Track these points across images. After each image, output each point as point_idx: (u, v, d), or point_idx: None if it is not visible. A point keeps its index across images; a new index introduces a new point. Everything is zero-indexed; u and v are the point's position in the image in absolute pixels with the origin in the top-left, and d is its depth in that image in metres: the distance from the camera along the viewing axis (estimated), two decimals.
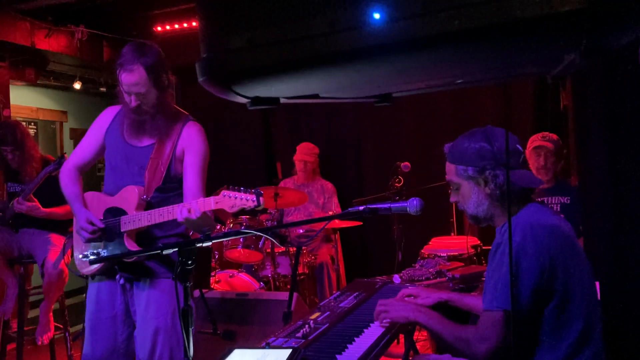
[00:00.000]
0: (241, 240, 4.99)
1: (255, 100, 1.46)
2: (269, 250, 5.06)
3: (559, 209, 4.15)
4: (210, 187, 7.12)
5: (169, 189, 2.88)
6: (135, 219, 2.77)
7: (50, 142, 7.88)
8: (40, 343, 4.62)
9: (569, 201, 4.15)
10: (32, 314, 5.28)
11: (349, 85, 1.54)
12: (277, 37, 1.22)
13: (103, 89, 7.64)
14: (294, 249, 5.05)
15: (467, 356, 2.08)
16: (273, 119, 7.00)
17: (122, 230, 2.80)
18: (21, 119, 7.27)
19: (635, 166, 2.56)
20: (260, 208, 2.48)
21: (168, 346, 2.83)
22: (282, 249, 5.12)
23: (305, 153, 5.86)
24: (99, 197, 2.96)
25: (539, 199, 4.20)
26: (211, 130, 7.13)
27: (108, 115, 3.04)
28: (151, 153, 2.86)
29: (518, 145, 2.22)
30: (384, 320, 2.31)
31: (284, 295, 4.05)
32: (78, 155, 3.07)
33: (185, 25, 6.68)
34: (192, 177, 2.86)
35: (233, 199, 2.49)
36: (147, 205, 2.82)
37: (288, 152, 6.30)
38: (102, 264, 2.85)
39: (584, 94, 3.09)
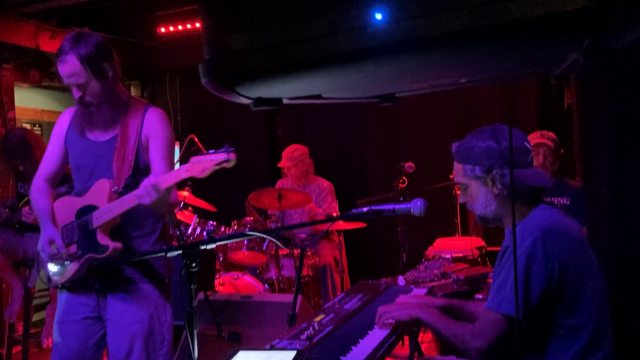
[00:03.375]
0: (245, 242, 4.99)
1: (258, 101, 1.46)
2: (273, 252, 5.06)
3: None
4: (214, 188, 7.08)
5: (139, 182, 2.68)
6: (107, 210, 2.64)
7: None
8: (45, 346, 4.64)
9: (568, 202, 4.12)
10: (37, 316, 5.30)
11: (352, 86, 1.54)
12: (280, 38, 1.22)
13: None
14: (298, 250, 5.05)
15: (462, 353, 2.08)
16: (277, 119, 7.00)
17: (94, 227, 2.66)
18: (26, 120, 7.29)
19: (639, 165, 2.55)
20: (231, 164, 2.32)
21: (145, 353, 2.76)
22: (286, 251, 5.12)
23: (285, 158, 5.77)
24: (67, 201, 2.85)
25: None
26: (215, 131, 7.19)
27: (64, 119, 2.94)
28: (116, 143, 2.76)
29: (527, 143, 2.18)
30: (387, 321, 2.29)
31: (288, 298, 4.04)
32: (44, 167, 2.94)
33: (188, 26, 6.69)
34: (159, 165, 2.75)
35: (203, 163, 2.35)
36: (120, 197, 2.68)
37: None
38: (73, 272, 2.72)
39: (588, 93, 3.08)
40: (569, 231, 2.06)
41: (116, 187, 2.70)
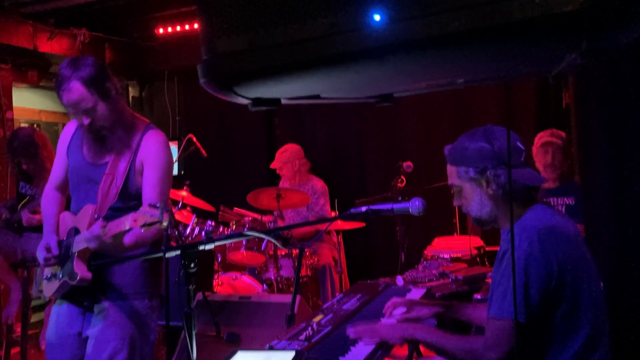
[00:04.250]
0: (244, 242, 4.98)
1: (257, 101, 1.46)
2: (271, 252, 5.06)
3: (563, 210, 4.10)
4: (214, 189, 7.09)
5: (129, 208, 2.62)
6: (81, 239, 2.63)
7: (53, 144, 7.89)
8: (44, 347, 4.62)
9: (573, 202, 4.11)
10: (35, 317, 5.30)
11: (350, 86, 1.54)
12: (278, 38, 1.22)
13: None
14: (297, 251, 5.04)
15: None
16: (276, 119, 7.01)
17: (73, 251, 2.66)
18: (24, 121, 7.29)
19: (637, 165, 2.55)
20: (163, 225, 2.29)
21: None
22: (285, 251, 5.12)
23: (277, 159, 5.79)
24: (67, 217, 2.85)
25: (545, 200, 4.17)
26: (214, 131, 7.19)
27: (68, 132, 2.91)
28: (106, 169, 2.72)
29: (519, 143, 2.18)
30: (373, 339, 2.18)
31: (287, 298, 4.04)
32: (53, 176, 2.96)
33: (187, 27, 6.69)
34: (149, 192, 2.70)
35: (143, 217, 2.32)
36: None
37: None
38: (56, 287, 2.71)
39: (586, 93, 3.08)
40: (565, 231, 2.05)
41: (97, 215, 2.66)
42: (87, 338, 2.78)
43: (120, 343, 2.72)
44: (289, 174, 5.76)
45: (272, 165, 5.85)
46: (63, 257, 2.72)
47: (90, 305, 2.77)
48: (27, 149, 4.47)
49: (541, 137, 4.25)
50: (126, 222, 2.39)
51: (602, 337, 2.02)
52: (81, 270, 2.61)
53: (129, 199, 2.71)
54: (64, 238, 2.80)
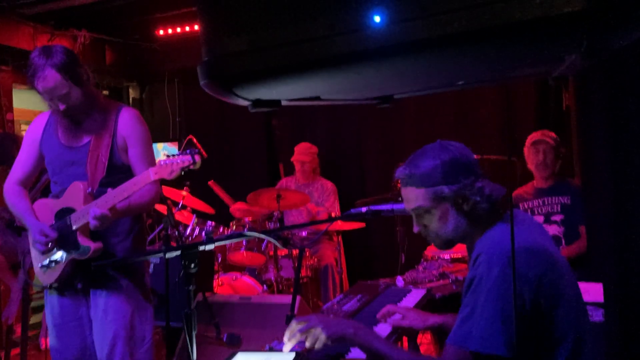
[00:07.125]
0: (244, 243, 4.99)
1: (257, 102, 1.46)
2: (271, 253, 5.06)
3: (559, 209, 4.15)
4: (214, 191, 7.07)
5: (116, 181, 2.73)
6: (85, 213, 2.67)
7: None
8: (44, 347, 4.63)
9: (569, 201, 4.15)
10: (35, 318, 5.29)
11: (350, 87, 1.54)
12: (278, 39, 1.22)
13: (105, 92, 7.67)
14: (297, 251, 5.05)
15: None
16: (275, 120, 7.01)
17: (73, 229, 2.72)
18: (24, 122, 7.30)
19: (638, 167, 2.55)
20: (197, 166, 2.48)
21: (128, 350, 2.81)
22: (285, 251, 5.12)
23: (302, 153, 5.86)
24: (46, 203, 2.89)
25: (539, 200, 4.20)
26: (214, 132, 7.19)
27: (38, 124, 2.96)
28: (89, 147, 2.82)
29: (473, 155, 2.01)
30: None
31: (287, 299, 4.04)
32: (18, 170, 2.98)
33: (187, 28, 6.70)
34: (140, 166, 2.81)
35: (170, 165, 2.48)
36: (94, 198, 2.74)
37: (290, 153, 6.31)
38: (60, 272, 2.77)
39: (587, 94, 3.08)
40: (534, 247, 1.88)
41: (90, 189, 2.76)
42: (89, 321, 2.87)
43: (123, 322, 2.81)
44: (308, 170, 5.84)
45: (294, 158, 5.91)
46: (61, 238, 2.77)
47: (86, 288, 2.84)
48: (4, 153, 4.43)
49: (532, 137, 4.31)
50: (149, 174, 2.55)
51: (584, 346, 1.86)
52: (91, 243, 2.71)
53: (116, 172, 2.81)
54: (53, 222, 2.82)
